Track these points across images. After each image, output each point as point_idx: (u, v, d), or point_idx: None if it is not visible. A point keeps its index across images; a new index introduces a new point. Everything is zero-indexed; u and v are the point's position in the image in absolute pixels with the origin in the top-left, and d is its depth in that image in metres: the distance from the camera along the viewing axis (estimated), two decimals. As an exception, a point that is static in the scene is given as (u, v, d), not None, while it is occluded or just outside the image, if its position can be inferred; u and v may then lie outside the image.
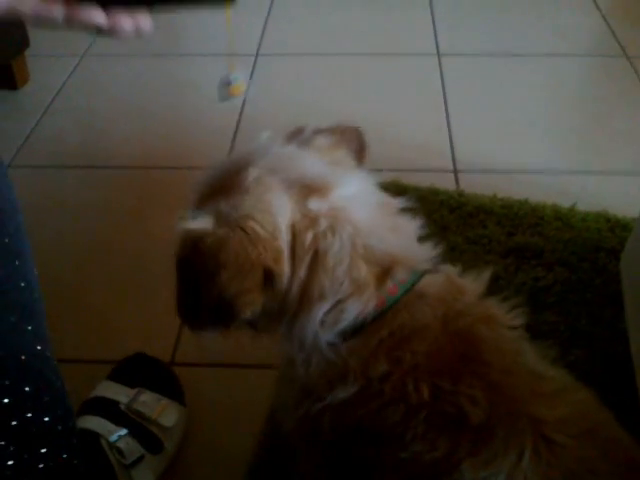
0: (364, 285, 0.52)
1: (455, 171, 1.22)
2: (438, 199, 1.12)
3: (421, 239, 0.58)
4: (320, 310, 0.51)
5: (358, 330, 0.52)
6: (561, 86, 1.44)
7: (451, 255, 1.02)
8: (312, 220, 0.51)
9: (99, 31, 0.51)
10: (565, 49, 1.55)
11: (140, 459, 0.74)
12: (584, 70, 1.52)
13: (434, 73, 1.48)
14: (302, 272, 0.51)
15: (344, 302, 0.51)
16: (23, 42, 1.42)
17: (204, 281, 0.51)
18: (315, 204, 0.52)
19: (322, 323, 0.52)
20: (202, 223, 0.51)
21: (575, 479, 0.45)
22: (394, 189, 1.13)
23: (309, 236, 0.51)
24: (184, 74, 1.54)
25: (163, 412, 0.79)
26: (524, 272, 0.99)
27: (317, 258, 0.51)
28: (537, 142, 1.28)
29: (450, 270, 0.58)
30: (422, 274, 0.55)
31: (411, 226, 0.57)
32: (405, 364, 0.51)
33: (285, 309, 0.53)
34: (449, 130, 1.32)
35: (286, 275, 0.51)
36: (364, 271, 0.52)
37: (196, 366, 0.92)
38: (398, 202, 0.58)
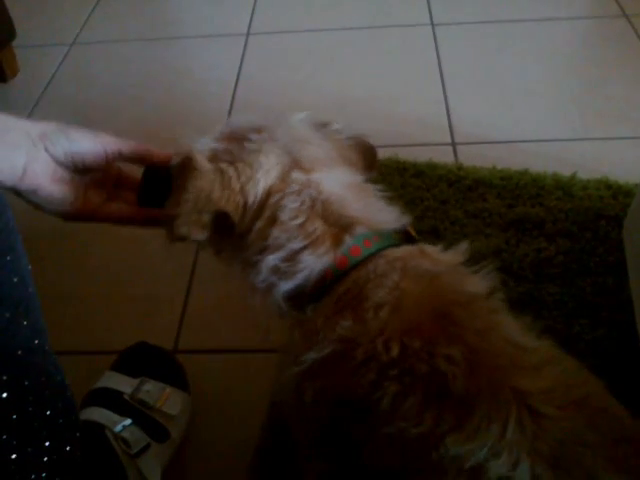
0: (320, 240, 0.56)
1: (453, 144, 1.20)
2: (437, 174, 1.11)
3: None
4: (272, 256, 0.56)
5: (324, 291, 0.56)
6: (558, 51, 1.41)
7: (452, 229, 1.02)
8: (286, 185, 0.58)
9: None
10: (560, 13, 1.51)
11: (146, 448, 0.74)
12: (581, 33, 1.48)
13: (429, 44, 1.46)
14: (260, 223, 0.57)
15: (299, 253, 0.56)
16: (9, 33, 1.40)
17: (173, 189, 0.60)
18: (296, 175, 0.58)
19: (279, 270, 0.56)
20: (199, 150, 0.60)
21: (563, 450, 0.44)
22: (392, 165, 1.13)
23: (277, 196, 0.57)
24: (175, 58, 1.52)
25: (167, 400, 0.79)
26: (526, 244, 0.98)
27: (277, 212, 0.57)
28: (535, 110, 1.26)
29: (428, 246, 0.58)
30: (392, 244, 0.57)
31: (383, 205, 0.60)
32: (371, 323, 0.51)
33: (242, 251, 0.59)
34: (446, 102, 1.30)
35: (247, 224, 0.58)
36: (320, 228, 0.56)
37: (199, 353, 0.92)
38: (377, 189, 0.62)
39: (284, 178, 0.58)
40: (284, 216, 0.56)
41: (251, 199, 0.58)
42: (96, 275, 1.05)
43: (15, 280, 0.53)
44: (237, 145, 0.60)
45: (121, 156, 0.66)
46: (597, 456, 0.45)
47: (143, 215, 0.68)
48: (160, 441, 0.77)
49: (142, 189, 0.69)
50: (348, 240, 0.56)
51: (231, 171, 0.58)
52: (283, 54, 1.49)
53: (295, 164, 0.59)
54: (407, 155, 1.15)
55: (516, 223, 1.01)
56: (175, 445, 0.79)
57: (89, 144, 0.63)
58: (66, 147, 0.62)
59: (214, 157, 0.59)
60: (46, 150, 0.61)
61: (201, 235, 0.59)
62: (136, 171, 0.70)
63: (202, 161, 0.59)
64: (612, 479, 0.44)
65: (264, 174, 0.58)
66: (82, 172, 0.65)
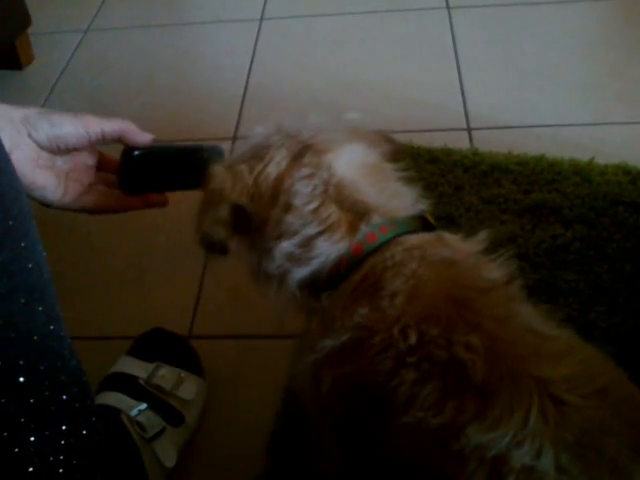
0: (335, 225, 0.55)
1: (469, 129, 1.19)
2: (452, 159, 1.09)
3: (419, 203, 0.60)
4: (286, 243, 0.56)
5: (340, 279, 0.55)
6: (576, 34, 1.38)
7: (467, 216, 1.01)
8: (296, 169, 0.58)
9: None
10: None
11: (161, 432, 0.75)
12: (601, 16, 1.45)
13: (444, 27, 1.44)
14: (276, 211, 0.57)
15: (314, 239, 0.55)
16: (24, 21, 1.41)
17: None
18: (307, 159, 0.58)
19: (293, 257, 0.56)
20: (218, 166, 0.61)
21: (588, 439, 0.44)
22: (407, 151, 1.12)
23: (290, 181, 0.57)
24: (189, 44, 1.52)
25: (182, 385, 0.79)
26: (542, 230, 0.96)
27: (290, 199, 0.56)
28: (553, 94, 1.24)
29: (446, 234, 0.57)
30: (409, 230, 0.56)
31: (400, 188, 0.60)
32: (388, 311, 0.51)
33: (260, 246, 0.59)
34: (461, 86, 1.28)
35: (265, 215, 0.58)
36: (335, 213, 0.56)
37: (214, 338, 0.92)
38: (395, 169, 0.61)
39: (294, 163, 0.58)
40: (297, 201, 0.56)
41: (264, 189, 0.58)
42: (111, 261, 1.06)
43: (30, 266, 0.53)
44: (251, 147, 0.62)
45: (104, 135, 0.66)
46: (622, 445, 0.44)
47: (118, 204, 0.71)
48: (175, 425, 0.77)
49: (121, 170, 0.69)
50: (364, 228, 0.55)
51: (242, 167, 0.59)
52: (297, 39, 1.48)
53: (307, 149, 0.58)
54: (422, 140, 1.14)
55: (532, 209, 1.00)
56: (190, 430, 0.80)
57: (71, 127, 0.64)
58: (49, 131, 0.63)
59: (230, 164, 0.61)
60: (29, 136, 0.62)
61: (224, 232, 0.60)
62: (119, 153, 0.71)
63: (217, 168, 0.61)
64: (637, 468, 0.44)
65: (275, 165, 0.58)
66: (65, 154, 0.66)
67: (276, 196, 0.58)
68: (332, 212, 0.56)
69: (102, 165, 0.72)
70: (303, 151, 0.58)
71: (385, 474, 0.53)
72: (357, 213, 0.56)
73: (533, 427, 0.44)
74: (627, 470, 0.43)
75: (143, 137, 0.69)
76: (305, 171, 0.57)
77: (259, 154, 0.60)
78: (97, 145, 0.69)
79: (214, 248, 0.62)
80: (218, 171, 0.60)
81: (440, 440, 0.47)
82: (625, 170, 1.04)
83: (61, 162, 0.66)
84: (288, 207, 0.57)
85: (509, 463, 0.44)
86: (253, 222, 0.59)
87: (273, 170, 0.58)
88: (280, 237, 0.57)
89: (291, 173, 0.58)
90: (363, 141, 0.62)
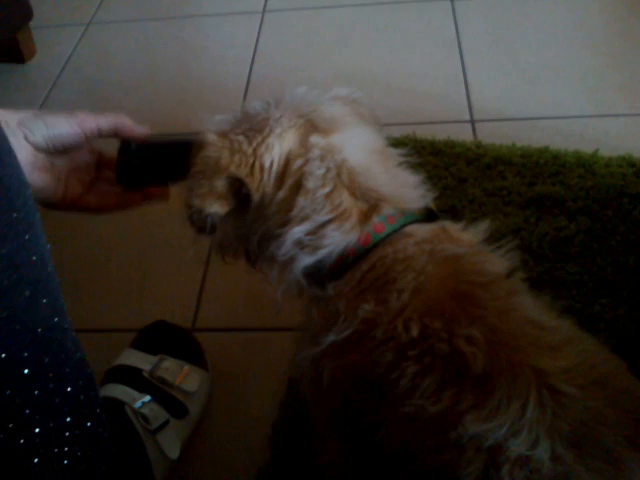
0: (346, 214, 0.54)
1: (472, 121, 1.19)
2: (455, 152, 1.09)
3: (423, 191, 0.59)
4: (298, 229, 0.54)
5: (346, 269, 0.54)
6: (581, 25, 1.38)
7: (470, 208, 1.00)
8: (306, 149, 0.55)
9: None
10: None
11: (165, 424, 0.75)
12: (604, 6, 1.44)
13: (448, 19, 1.43)
14: (283, 192, 0.54)
15: (324, 227, 0.54)
16: (27, 14, 1.40)
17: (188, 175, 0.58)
18: (315, 139, 0.55)
19: (302, 244, 0.54)
20: (210, 128, 0.58)
21: (584, 430, 0.44)
22: (410, 143, 1.12)
23: (299, 162, 0.54)
24: (191, 36, 1.51)
25: (186, 378, 0.80)
26: (546, 222, 0.96)
27: (301, 180, 0.54)
28: (557, 86, 1.23)
29: (449, 224, 0.57)
30: (414, 220, 0.55)
31: (408, 176, 0.58)
32: (393, 305, 0.51)
33: (261, 227, 0.56)
34: (465, 78, 1.28)
35: (267, 194, 0.55)
36: (347, 200, 0.54)
37: (217, 331, 0.93)
38: (400, 154, 0.60)
39: (302, 142, 0.55)
40: (310, 184, 0.53)
41: (267, 164, 0.55)
42: (115, 254, 1.06)
43: (34, 259, 0.54)
44: (247, 120, 0.58)
45: (100, 131, 0.66)
46: (618, 435, 0.44)
47: (120, 202, 0.70)
48: (179, 417, 0.78)
49: (119, 164, 0.69)
50: (375, 219, 0.54)
51: (241, 138, 0.56)
52: (299, 31, 1.47)
53: (311, 126, 0.56)
54: (425, 133, 1.13)
55: (536, 201, 0.99)
56: (194, 422, 0.80)
57: (66, 126, 0.64)
58: (44, 133, 0.63)
59: (224, 133, 0.57)
60: (26, 139, 0.62)
61: (219, 207, 0.56)
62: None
63: (210, 135, 0.57)
64: (633, 458, 0.44)
65: (277, 138, 0.55)
66: (63, 154, 0.65)
67: (283, 176, 0.55)
68: (344, 199, 0.54)
69: (102, 163, 0.72)
70: (309, 129, 0.56)
71: (383, 465, 0.53)
72: (369, 202, 0.55)
73: (530, 417, 0.44)
74: (623, 460, 0.44)
75: (139, 130, 0.68)
76: (316, 152, 0.54)
77: (256, 126, 0.56)
78: (93, 141, 0.68)
79: (204, 226, 0.58)
80: (213, 139, 0.56)
81: (438, 429, 0.47)
82: (629, 162, 1.03)
83: (60, 163, 0.66)
84: (298, 189, 0.54)
85: (505, 452, 0.44)
86: (252, 197, 0.56)
87: (276, 143, 0.55)
88: (290, 222, 0.54)
89: (301, 152, 0.55)
90: (365, 122, 0.60)
